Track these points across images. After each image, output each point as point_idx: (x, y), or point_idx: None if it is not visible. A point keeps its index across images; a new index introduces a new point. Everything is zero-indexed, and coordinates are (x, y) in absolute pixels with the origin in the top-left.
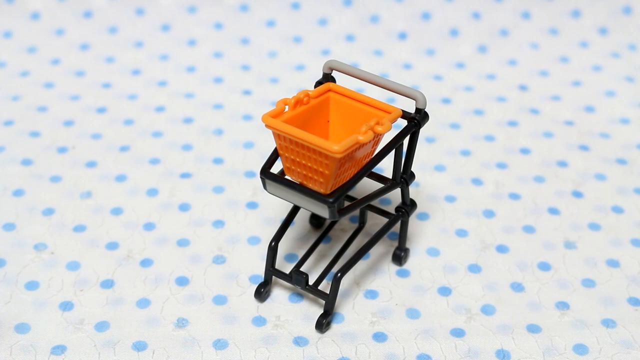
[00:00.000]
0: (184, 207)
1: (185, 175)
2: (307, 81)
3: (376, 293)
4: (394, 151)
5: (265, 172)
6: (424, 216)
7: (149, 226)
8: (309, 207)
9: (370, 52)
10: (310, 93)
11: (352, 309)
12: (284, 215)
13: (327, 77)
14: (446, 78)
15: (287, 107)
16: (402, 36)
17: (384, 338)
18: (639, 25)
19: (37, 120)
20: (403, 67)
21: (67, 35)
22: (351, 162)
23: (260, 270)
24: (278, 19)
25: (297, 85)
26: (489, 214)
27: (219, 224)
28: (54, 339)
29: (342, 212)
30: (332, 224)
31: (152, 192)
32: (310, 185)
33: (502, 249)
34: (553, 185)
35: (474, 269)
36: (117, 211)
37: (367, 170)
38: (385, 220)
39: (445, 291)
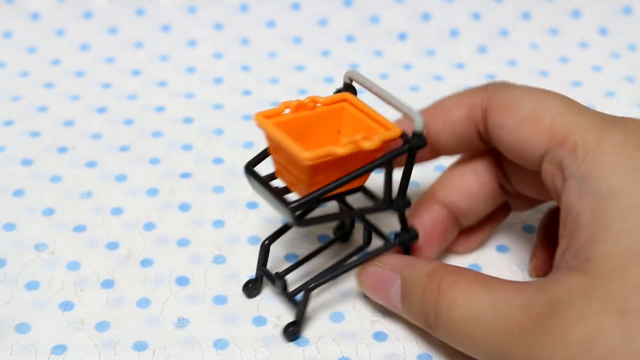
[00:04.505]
0: (184, 207)
1: (185, 175)
2: (307, 81)
3: None
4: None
5: (248, 168)
6: None
7: (149, 226)
8: (276, 209)
9: (370, 52)
10: (320, 99)
11: (352, 308)
12: None
13: (347, 87)
14: (446, 78)
15: (287, 109)
16: (402, 36)
17: (384, 337)
18: (639, 25)
19: (37, 120)
20: (403, 67)
21: (67, 35)
22: (335, 173)
23: None
24: (278, 19)
25: (297, 85)
26: None
27: (219, 224)
28: (54, 338)
29: (308, 221)
30: (339, 238)
31: (152, 192)
32: (294, 191)
33: (502, 248)
34: None
35: (474, 269)
36: (117, 211)
37: (342, 184)
38: (380, 243)
39: None
